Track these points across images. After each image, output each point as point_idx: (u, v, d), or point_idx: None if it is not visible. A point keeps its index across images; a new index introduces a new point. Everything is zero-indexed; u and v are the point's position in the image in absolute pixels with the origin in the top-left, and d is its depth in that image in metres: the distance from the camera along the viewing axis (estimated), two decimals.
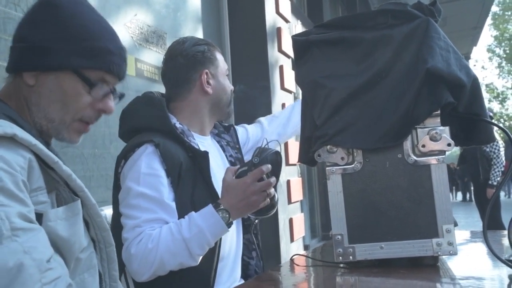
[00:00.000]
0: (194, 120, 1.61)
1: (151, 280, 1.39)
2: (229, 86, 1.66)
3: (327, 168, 1.32)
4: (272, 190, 1.46)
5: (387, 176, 1.29)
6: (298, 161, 1.48)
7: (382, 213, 1.28)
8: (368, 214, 1.29)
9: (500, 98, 27.39)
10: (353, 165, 1.31)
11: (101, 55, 1.03)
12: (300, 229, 4.59)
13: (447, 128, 1.26)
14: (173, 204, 1.42)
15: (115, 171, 1.51)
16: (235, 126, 1.83)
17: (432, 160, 1.27)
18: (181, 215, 1.42)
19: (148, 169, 1.41)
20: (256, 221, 1.69)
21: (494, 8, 23.88)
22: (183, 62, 1.60)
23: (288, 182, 4.22)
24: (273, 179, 1.43)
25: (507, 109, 28.25)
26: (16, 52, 1.01)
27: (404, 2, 1.34)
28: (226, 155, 1.70)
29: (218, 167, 1.60)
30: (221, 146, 1.72)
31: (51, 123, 1.00)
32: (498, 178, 6.39)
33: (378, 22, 1.32)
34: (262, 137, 1.84)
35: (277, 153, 1.46)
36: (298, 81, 1.39)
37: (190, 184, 1.45)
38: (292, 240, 4.25)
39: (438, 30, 1.27)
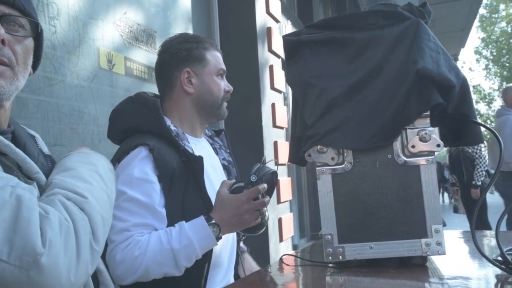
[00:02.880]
0: (183, 121, 1.57)
1: (141, 286, 1.37)
2: (218, 87, 1.59)
3: (317, 168, 1.32)
4: (265, 209, 1.45)
5: (377, 176, 1.29)
6: (288, 161, 1.48)
7: (372, 213, 1.29)
8: (358, 214, 1.30)
9: (487, 100, 27.69)
10: (343, 165, 1.31)
11: None
12: (289, 229, 4.60)
13: (436, 129, 1.27)
14: (164, 211, 1.40)
15: None
16: (225, 131, 1.81)
17: (422, 160, 1.28)
18: (170, 221, 1.40)
19: (141, 174, 1.38)
20: (244, 237, 1.68)
21: (482, 11, 24.13)
22: (167, 58, 1.58)
23: (278, 182, 4.22)
24: (267, 199, 1.42)
25: (493, 111, 28.54)
26: None
27: (394, 3, 1.35)
28: (219, 158, 1.69)
29: (213, 169, 1.59)
30: (214, 149, 1.70)
31: None
32: (482, 178, 6.47)
33: (369, 22, 1.32)
34: None
35: (274, 173, 1.45)
36: (289, 80, 1.39)
37: (182, 190, 1.43)
38: (281, 239, 4.25)
39: (428, 31, 1.27)
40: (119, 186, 1.37)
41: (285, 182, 4.49)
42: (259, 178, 1.40)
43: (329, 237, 1.30)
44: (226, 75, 1.66)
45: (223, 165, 1.67)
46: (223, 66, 1.64)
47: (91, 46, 2.42)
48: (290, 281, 1.39)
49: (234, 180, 1.47)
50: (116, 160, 1.45)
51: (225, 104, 1.63)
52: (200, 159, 1.45)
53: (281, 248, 4.27)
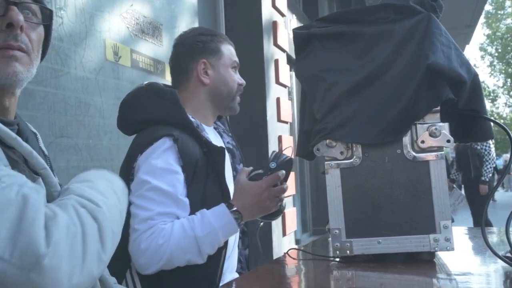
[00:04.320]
0: (197, 112, 1.58)
1: (158, 276, 1.38)
2: (233, 79, 1.61)
3: (326, 162, 1.31)
4: (283, 195, 1.47)
5: (386, 171, 1.29)
6: (296, 155, 1.48)
7: (380, 208, 1.28)
8: (366, 209, 1.29)
9: (491, 97, 27.60)
10: (352, 160, 1.30)
11: None
12: (292, 223, 4.61)
13: (446, 125, 1.26)
14: (187, 200, 1.41)
15: (125, 164, 1.48)
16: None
17: (431, 156, 1.27)
18: (191, 210, 1.41)
19: (165, 165, 1.39)
20: (262, 224, 1.70)
21: (487, 7, 24.01)
22: (182, 50, 1.59)
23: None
24: (286, 186, 1.45)
25: (497, 108, 28.48)
26: None
27: None
28: (224, 142, 1.70)
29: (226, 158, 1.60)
30: (219, 133, 1.72)
31: None
32: (490, 175, 6.46)
33: (380, 16, 1.31)
34: None
35: (291, 160, 1.47)
36: (298, 74, 1.39)
37: (203, 180, 1.44)
38: (284, 234, 4.26)
39: (440, 26, 1.26)
40: (142, 176, 1.38)
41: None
42: (278, 165, 1.42)
43: (337, 231, 1.30)
44: None
45: (228, 149, 1.68)
46: (237, 59, 1.67)
47: (98, 38, 2.41)
48: (297, 275, 1.39)
49: (251, 168, 1.49)
50: (138, 152, 1.44)
51: (238, 98, 1.65)
52: (222, 150, 1.47)
53: (284, 242, 4.27)
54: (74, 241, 0.75)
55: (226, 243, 1.44)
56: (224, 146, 1.49)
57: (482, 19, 24.07)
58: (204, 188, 1.44)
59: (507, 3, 25.15)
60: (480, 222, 6.29)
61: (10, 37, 0.92)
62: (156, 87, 1.55)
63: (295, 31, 1.38)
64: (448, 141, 1.26)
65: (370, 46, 1.31)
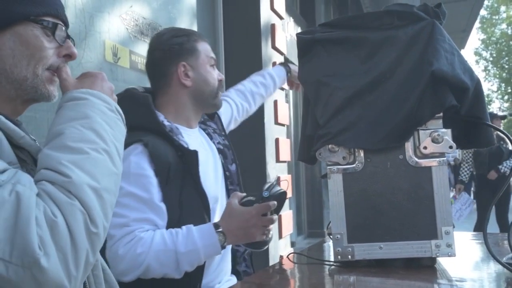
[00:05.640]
0: (179, 114, 1.57)
1: (138, 282, 1.36)
2: (213, 77, 1.60)
3: (328, 167, 1.32)
4: (271, 227, 1.46)
5: (388, 177, 1.29)
6: (298, 159, 1.47)
7: (382, 213, 1.29)
8: (368, 214, 1.29)
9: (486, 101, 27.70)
10: (354, 165, 1.31)
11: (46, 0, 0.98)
12: (289, 226, 4.61)
13: (449, 131, 1.27)
14: (163, 205, 1.39)
15: None
16: (218, 113, 1.78)
17: (433, 162, 1.27)
18: (169, 215, 1.40)
19: (137, 169, 1.38)
20: (246, 251, 1.69)
21: (482, 12, 24.14)
22: (159, 55, 1.56)
23: (278, 179, 4.22)
24: (275, 217, 1.44)
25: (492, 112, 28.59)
26: None
27: (409, 3, 1.34)
28: (214, 142, 1.68)
29: (208, 159, 1.58)
30: (208, 134, 1.69)
31: (24, 83, 0.94)
32: (468, 176, 6.52)
33: (383, 22, 1.32)
34: (232, 115, 1.91)
35: (284, 194, 1.47)
36: (301, 79, 1.39)
37: (179, 184, 1.42)
38: (280, 237, 4.25)
39: (443, 32, 1.27)
40: None
41: (284, 179, 4.49)
42: (270, 195, 1.42)
43: (339, 236, 1.30)
44: (230, 71, 1.66)
45: (219, 149, 1.67)
46: (213, 55, 1.64)
47: (97, 39, 2.40)
48: (299, 280, 1.39)
49: (244, 194, 1.48)
50: None
51: (220, 93, 1.64)
52: (195, 153, 1.45)
53: (280, 245, 4.27)
54: (57, 233, 0.75)
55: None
56: (197, 149, 1.46)
57: (477, 24, 24.22)
58: (180, 192, 1.42)
59: (502, 8, 25.31)
60: (476, 228, 6.31)
61: (64, 64, 0.99)
62: (131, 93, 1.53)
63: (299, 35, 1.38)
64: (451, 147, 1.26)
65: (373, 51, 1.31)
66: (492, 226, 6.82)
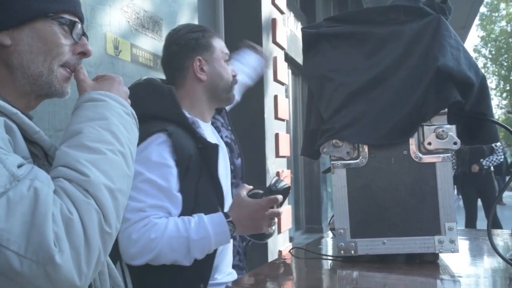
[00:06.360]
0: (194, 108, 1.59)
1: (147, 269, 1.37)
2: (227, 72, 1.63)
3: (332, 162, 1.31)
4: (276, 220, 1.49)
5: (392, 172, 1.29)
6: (301, 154, 1.48)
7: (386, 209, 1.29)
8: (371, 209, 1.29)
9: None
10: (358, 160, 1.30)
11: None
12: (287, 221, 4.61)
13: (453, 127, 1.26)
14: (179, 195, 1.41)
15: None
16: (226, 108, 1.81)
17: (438, 158, 1.27)
18: (183, 205, 1.41)
19: (159, 158, 1.40)
20: (250, 242, 1.71)
21: (482, 9, 24.13)
22: (176, 49, 1.60)
23: (278, 174, 4.22)
24: (281, 210, 1.47)
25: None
26: None
27: None
28: (221, 136, 1.70)
29: (220, 153, 1.60)
30: (216, 127, 1.72)
31: (40, 78, 0.95)
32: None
33: (389, 17, 1.31)
34: None
35: (289, 188, 1.50)
36: (306, 73, 1.38)
37: (196, 176, 1.45)
38: (279, 232, 4.26)
39: (449, 28, 1.27)
40: (136, 167, 1.37)
41: (285, 175, 4.49)
42: (278, 189, 1.45)
43: (342, 231, 1.30)
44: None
45: (226, 143, 1.69)
46: (228, 51, 1.67)
47: (98, 32, 2.39)
48: (301, 274, 1.39)
49: (252, 186, 1.51)
50: None
51: (233, 88, 1.66)
52: (216, 147, 1.48)
53: (279, 240, 4.28)
54: (72, 230, 0.76)
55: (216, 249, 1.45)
56: (217, 143, 1.49)
57: (476, 21, 24.21)
58: (197, 184, 1.45)
59: (502, 6, 25.29)
60: (468, 225, 6.34)
61: (79, 62, 1.01)
62: (154, 83, 1.56)
63: (304, 30, 1.37)
64: (455, 143, 1.26)
65: (379, 46, 1.31)
66: (480, 222, 6.87)
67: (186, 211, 1.41)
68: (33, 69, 0.94)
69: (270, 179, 1.49)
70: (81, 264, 0.76)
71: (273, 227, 1.52)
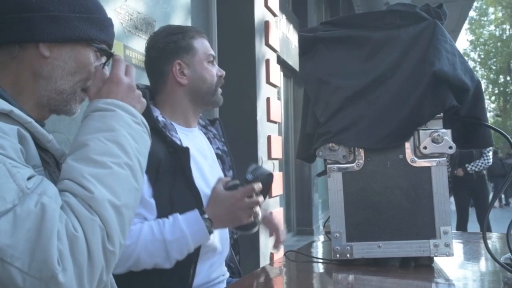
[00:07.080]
0: (176, 112, 1.56)
1: (131, 275, 1.35)
2: (211, 74, 1.57)
3: (328, 166, 1.32)
4: (258, 209, 1.45)
5: (388, 176, 1.30)
6: (296, 157, 1.47)
7: (381, 212, 1.29)
8: (367, 213, 1.30)
9: None
10: (354, 164, 1.31)
11: (108, 28, 1.03)
12: (279, 223, 4.61)
13: (449, 131, 1.27)
14: (152, 201, 1.39)
15: None
16: (220, 120, 1.78)
17: (433, 162, 1.28)
18: (159, 211, 1.39)
19: None
20: (236, 235, 1.69)
21: (471, 13, 24.35)
22: (155, 54, 1.55)
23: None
24: (261, 199, 1.43)
25: None
26: (25, 23, 0.94)
27: (408, 3, 1.34)
28: (213, 147, 1.68)
29: (205, 159, 1.58)
30: (208, 138, 1.70)
31: (61, 95, 0.98)
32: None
33: (385, 22, 1.32)
34: None
35: (270, 175, 1.47)
36: (303, 77, 1.38)
37: (170, 180, 1.42)
38: (271, 234, 4.25)
39: (445, 33, 1.28)
40: None
41: (276, 177, 4.49)
42: (254, 178, 1.42)
43: (338, 234, 1.30)
44: (223, 67, 1.64)
45: (217, 155, 1.66)
46: (212, 52, 1.62)
47: None
48: (298, 278, 1.39)
49: (230, 178, 1.48)
50: None
51: (219, 90, 1.61)
52: (186, 150, 1.44)
53: (271, 242, 4.28)
54: (77, 248, 0.76)
55: (198, 248, 1.42)
56: (190, 146, 1.45)
57: (465, 25, 24.42)
58: (171, 188, 1.42)
59: (490, 10, 25.56)
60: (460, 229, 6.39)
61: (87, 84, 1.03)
62: None
63: (300, 33, 1.38)
64: (450, 147, 1.27)
65: (375, 51, 1.31)
66: (472, 225, 6.93)
67: (163, 216, 1.39)
68: (59, 84, 0.97)
69: (248, 167, 1.45)
70: (84, 282, 0.76)
71: (258, 217, 1.48)
